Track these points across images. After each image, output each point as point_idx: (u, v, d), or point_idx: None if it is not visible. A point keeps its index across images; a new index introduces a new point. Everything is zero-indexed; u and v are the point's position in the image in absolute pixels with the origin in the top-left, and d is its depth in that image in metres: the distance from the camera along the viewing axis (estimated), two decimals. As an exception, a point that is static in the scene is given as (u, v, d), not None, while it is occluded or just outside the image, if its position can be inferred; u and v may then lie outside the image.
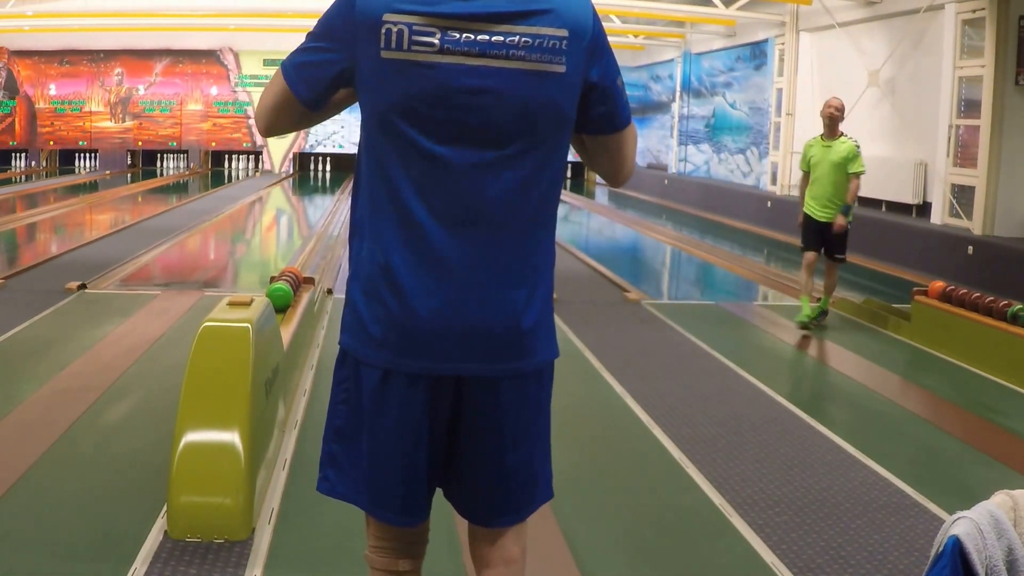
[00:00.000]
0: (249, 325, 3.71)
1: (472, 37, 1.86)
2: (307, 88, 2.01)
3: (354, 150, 18.80)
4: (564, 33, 1.90)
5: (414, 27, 1.86)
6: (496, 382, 2.01)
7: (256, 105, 2.18)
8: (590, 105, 2.00)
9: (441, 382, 2.00)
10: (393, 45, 1.88)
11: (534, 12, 1.88)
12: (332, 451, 2.19)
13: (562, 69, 1.91)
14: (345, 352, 2.09)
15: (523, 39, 1.88)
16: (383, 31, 1.88)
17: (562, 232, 16.71)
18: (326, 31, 1.98)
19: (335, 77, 1.99)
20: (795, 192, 16.31)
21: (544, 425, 2.14)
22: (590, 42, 1.95)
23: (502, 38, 1.87)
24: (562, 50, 1.91)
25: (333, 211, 16.56)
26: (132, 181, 22.75)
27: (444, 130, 1.90)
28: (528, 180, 1.95)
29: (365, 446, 2.08)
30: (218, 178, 24.33)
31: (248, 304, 3.98)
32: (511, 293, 1.97)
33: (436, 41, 1.86)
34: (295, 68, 2.01)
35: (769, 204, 16.22)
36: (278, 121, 2.11)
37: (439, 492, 2.23)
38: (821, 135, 8.16)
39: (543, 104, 1.92)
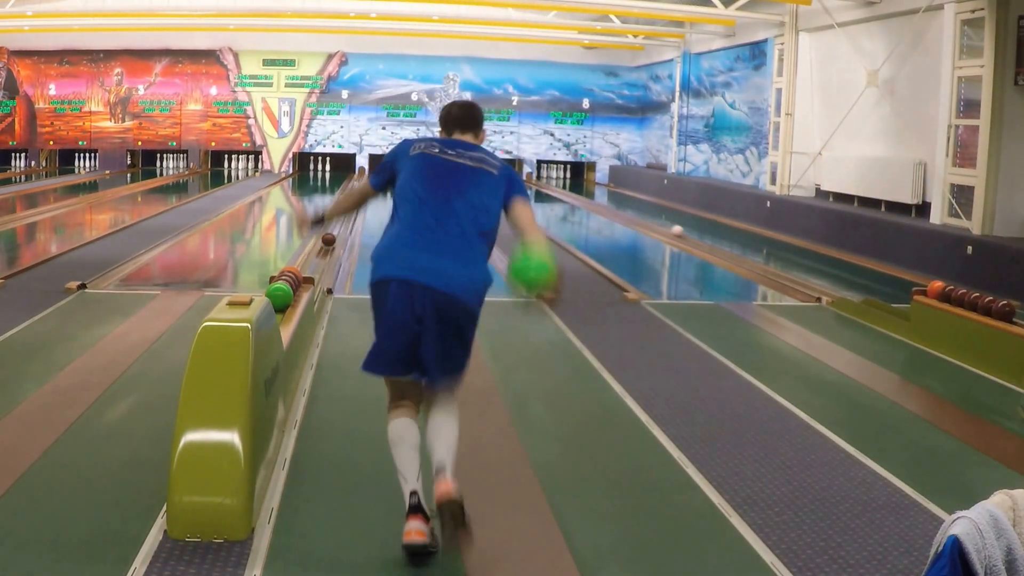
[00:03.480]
0: (249, 325, 3.71)
1: (457, 150, 3.76)
2: (377, 180, 3.87)
3: (353, 150, 19.93)
4: (498, 166, 3.77)
5: (427, 142, 3.79)
6: (448, 296, 3.48)
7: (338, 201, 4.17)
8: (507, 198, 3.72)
9: (414, 287, 3.47)
10: (419, 150, 3.75)
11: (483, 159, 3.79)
12: (375, 341, 3.60)
13: (496, 172, 3.73)
14: (373, 284, 3.57)
15: (481, 156, 3.78)
16: (411, 148, 3.78)
17: (562, 232, 16.73)
18: (390, 156, 3.85)
19: (389, 177, 3.80)
20: (795, 192, 16.32)
21: (472, 335, 3.64)
22: (508, 175, 3.77)
23: (470, 152, 3.78)
24: (496, 167, 3.75)
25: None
26: (132, 181, 22.74)
27: (433, 185, 3.64)
28: (475, 215, 3.61)
29: (381, 327, 3.57)
30: (218, 178, 24.32)
31: (248, 304, 3.98)
32: (461, 262, 3.54)
33: (438, 148, 3.75)
34: (374, 174, 3.89)
35: (768, 204, 16.22)
36: (349, 203, 4.15)
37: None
38: None
39: (484, 179, 3.69)
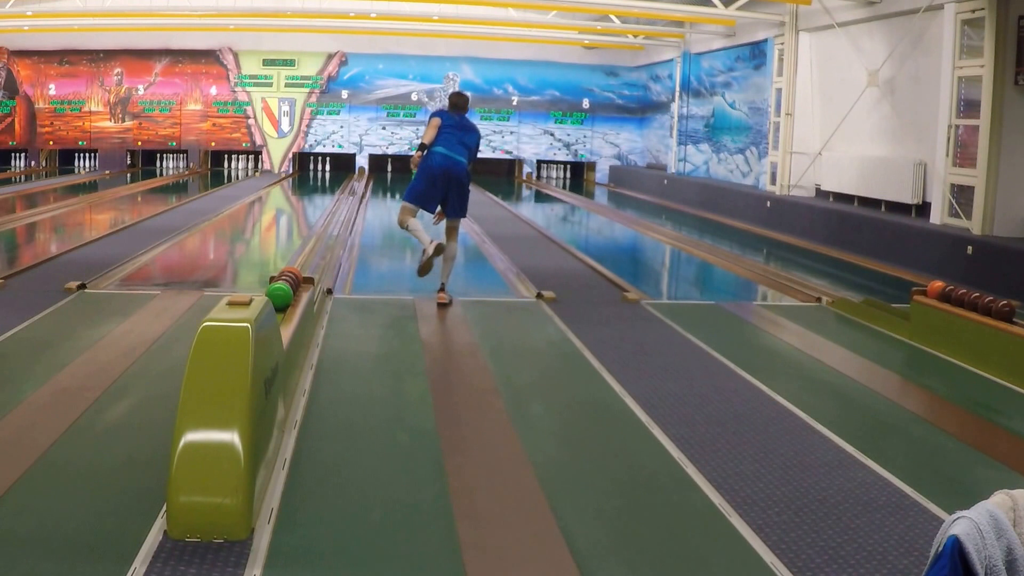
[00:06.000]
0: (249, 325, 3.71)
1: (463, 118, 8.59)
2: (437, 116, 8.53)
3: (353, 150, 21.16)
4: (478, 129, 8.65)
5: (451, 110, 8.59)
6: (465, 170, 8.38)
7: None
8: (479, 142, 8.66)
9: (451, 168, 8.29)
10: (448, 117, 8.49)
11: (473, 124, 8.64)
12: (413, 187, 8.36)
13: (476, 132, 8.59)
14: (434, 161, 8.24)
15: (472, 124, 8.63)
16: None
17: (561, 232, 16.74)
18: (439, 112, 8.54)
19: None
20: (795, 192, 16.32)
21: (468, 197, 8.50)
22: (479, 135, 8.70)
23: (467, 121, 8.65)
24: (478, 131, 8.66)
25: (333, 211, 16.55)
26: (132, 181, 22.73)
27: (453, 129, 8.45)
28: (471, 146, 8.46)
29: (422, 186, 8.33)
30: (217, 178, 24.32)
31: (248, 304, 3.98)
32: (466, 161, 8.35)
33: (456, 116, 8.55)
34: (435, 116, 8.48)
35: (768, 204, 16.22)
36: (434, 133, 8.34)
37: None
38: None
39: (475, 134, 8.59)
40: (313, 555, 3.48)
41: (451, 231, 8.49)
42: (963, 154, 11.64)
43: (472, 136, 8.42)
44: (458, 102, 8.58)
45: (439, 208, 8.41)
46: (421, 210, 8.41)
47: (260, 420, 3.78)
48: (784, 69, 16.79)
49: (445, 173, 8.16)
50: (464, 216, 8.55)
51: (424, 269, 8.28)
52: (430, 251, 8.12)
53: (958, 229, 11.43)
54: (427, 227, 8.70)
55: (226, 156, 26.69)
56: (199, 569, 3.28)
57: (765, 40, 18.07)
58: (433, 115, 8.43)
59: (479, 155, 8.77)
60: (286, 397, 4.84)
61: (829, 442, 4.92)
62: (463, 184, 8.33)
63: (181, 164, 26.22)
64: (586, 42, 25.32)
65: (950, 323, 7.00)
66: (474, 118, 30.60)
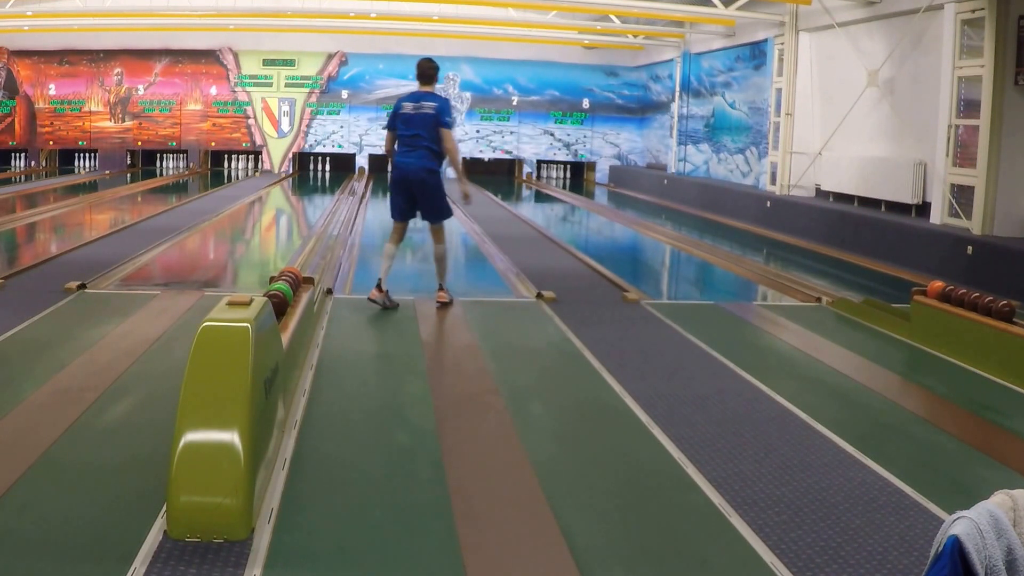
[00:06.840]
0: (249, 325, 3.71)
1: (418, 103, 7.91)
2: (390, 126, 8.18)
3: (353, 150, 21.53)
4: (435, 106, 7.83)
5: (406, 101, 8.01)
6: (424, 175, 7.94)
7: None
8: (440, 122, 7.88)
9: (406, 175, 8.00)
10: (402, 111, 7.95)
11: (431, 102, 7.86)
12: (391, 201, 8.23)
13: (431, 112, 7.83)
14: (392, 174, 8.17)
15: (428, 103, 7.86)
16: (400, 108, 7.98)
17: (561, 232, 16.70)
18: (392, 113, 8.10)
19: (393, 123, 8.11)
20: (795, 192, 16.32)
21: (442, 193, 8.10)
22: (443, 107, 7.91)
23: (423, 101, 7.92)
24: (433, 108, 7.84)
25: (332, 211, 16.55)
26: (132, 181, 22.73)
27: (408, 126, 7.93)
28: (425, 139, 7.86)
29: (391, 197, 8.24)
30: (218, 178, 24.32)
31: (247, 304, 3.98)
32: (427, 163, 7.87)
33: (410, 107, 7.92)
34: (388, 126, 8.29)
35: (768, 204, 16.22)
36: (389, 151, 8.30)
37: None
38: None
39: (427, 118, 7.83)
40: (313, 555, 3.48)
41: (434, 233, 8.24)
42: (963, 154, 11.63)
43: (425, 126, 7.79)
44: (424, 70, 7.98)
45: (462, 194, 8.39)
46: (412, 232, 8.64)
47: (260, 420, 3.78)
48: (784, 69, 16.79)
49: (401, 180, 8.00)
50: (441, 219, 8.12)
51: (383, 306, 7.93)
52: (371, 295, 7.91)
53: (958, 229, 11.43)
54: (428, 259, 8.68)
55: (226, 156, 26.69)
56: (199, 569, 3.28)
57: (765, 40, 18.06)
58: (389, 119, 8.16)
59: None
60: (286, 397, 4.84)
61: (829, 442, 4.91)
62: (425, 185, 7.93)
63: (181, 164, 26.21)
64: (586, 42, 25.32)
65: (950, 323, 7.00)
66: (474, 118, 30.30)
